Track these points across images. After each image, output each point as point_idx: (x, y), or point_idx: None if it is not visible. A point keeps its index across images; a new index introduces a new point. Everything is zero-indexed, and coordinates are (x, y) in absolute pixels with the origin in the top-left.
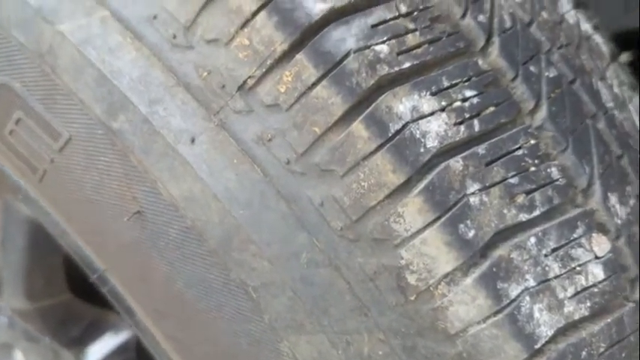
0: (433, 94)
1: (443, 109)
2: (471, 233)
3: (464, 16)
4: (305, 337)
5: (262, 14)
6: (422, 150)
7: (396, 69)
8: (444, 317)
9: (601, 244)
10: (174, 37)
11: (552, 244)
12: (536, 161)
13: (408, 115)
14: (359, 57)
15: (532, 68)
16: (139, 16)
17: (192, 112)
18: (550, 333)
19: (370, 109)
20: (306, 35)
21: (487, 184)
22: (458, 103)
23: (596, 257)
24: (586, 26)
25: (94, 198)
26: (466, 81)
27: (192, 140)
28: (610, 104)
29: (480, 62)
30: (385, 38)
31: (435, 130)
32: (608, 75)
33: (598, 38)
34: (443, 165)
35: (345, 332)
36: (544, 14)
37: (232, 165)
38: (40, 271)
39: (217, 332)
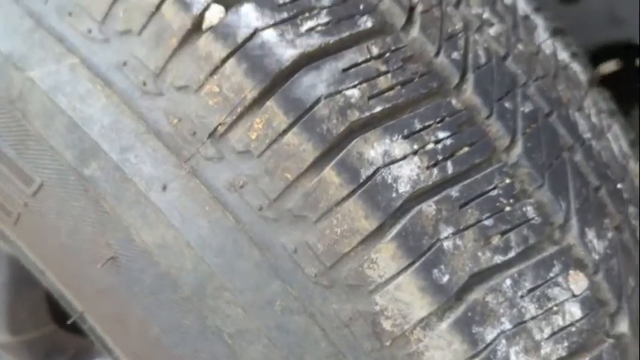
0: (405, 137)
1: (415, 153)
2: (445, 278)
3: (437, 54)
4: None
5: (231, 61)
6: (394, 195)
7: (367, 114)
8: None
9: (578, 282)
10: (145, 84)
11: (528, 285)
12: (511, 200)
13: (380, 160)
14: (329, 103)
15: (507, 104)
16: (109, 63)
17: (163, 159)
18: None
19: (341, 155)
20: (277, 82)
21: (461, 227)
22: (431, 146)
23: (574, 295)
24: (563, 55)
25: (69, 243)
26: (439, 122)
27: (164, 187)
28: (587, 135)
29: (454, 101)
30: (356, 82)
31: (407, 174)
32: (586, 104)
33: (576, 66)
34: (415, 210)
35: None
36: (520, 46)
37: (204, 212)
38: (23, 305)
39: None
